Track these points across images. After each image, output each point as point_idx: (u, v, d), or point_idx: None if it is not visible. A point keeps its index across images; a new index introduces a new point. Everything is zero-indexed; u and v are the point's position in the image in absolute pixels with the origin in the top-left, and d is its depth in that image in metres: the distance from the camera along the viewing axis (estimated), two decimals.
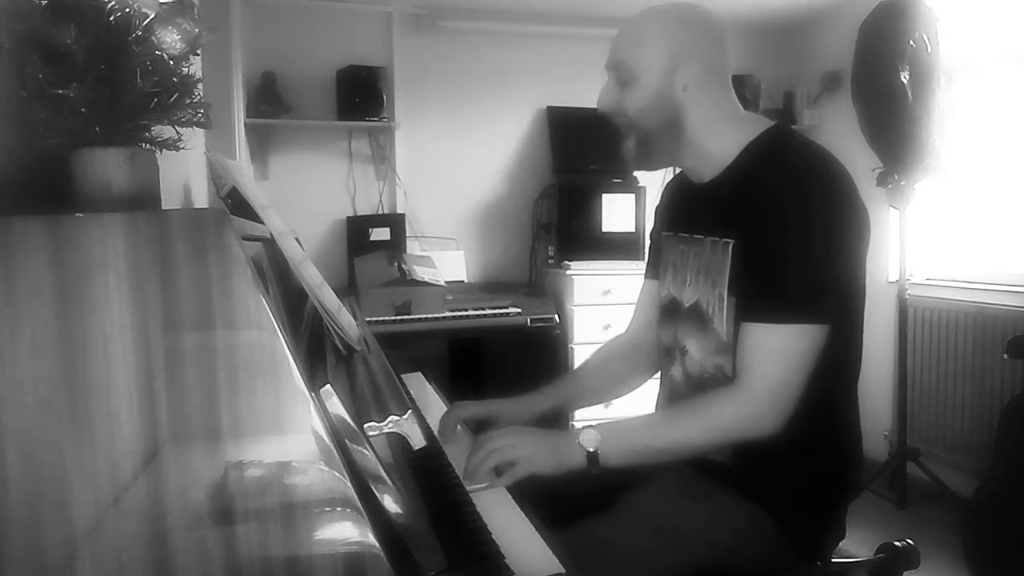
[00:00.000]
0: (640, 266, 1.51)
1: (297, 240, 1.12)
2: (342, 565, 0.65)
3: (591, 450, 1.10)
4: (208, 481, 0.63)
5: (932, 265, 3.18)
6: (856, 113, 2.80)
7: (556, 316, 3.22)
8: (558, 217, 3.52)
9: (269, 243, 0.91)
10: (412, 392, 1.54)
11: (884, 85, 2.64)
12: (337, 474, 0.65)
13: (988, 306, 2.79)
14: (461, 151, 3.64)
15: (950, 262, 3.12)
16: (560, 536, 0.93)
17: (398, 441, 1.04)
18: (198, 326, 0.63)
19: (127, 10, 0.74)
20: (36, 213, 0.61)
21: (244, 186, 1.01)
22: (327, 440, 0.65)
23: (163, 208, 0.89)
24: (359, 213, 3.53)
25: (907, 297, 2.92)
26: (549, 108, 3.67)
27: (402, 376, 1.59)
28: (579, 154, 3.52)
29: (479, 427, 1.34)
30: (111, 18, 0.73)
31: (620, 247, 3.43)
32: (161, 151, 0.85)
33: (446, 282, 3.29)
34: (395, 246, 3.41)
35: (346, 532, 0.65)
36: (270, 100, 3.28)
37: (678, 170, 1.37)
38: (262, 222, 0.92)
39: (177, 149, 0.87)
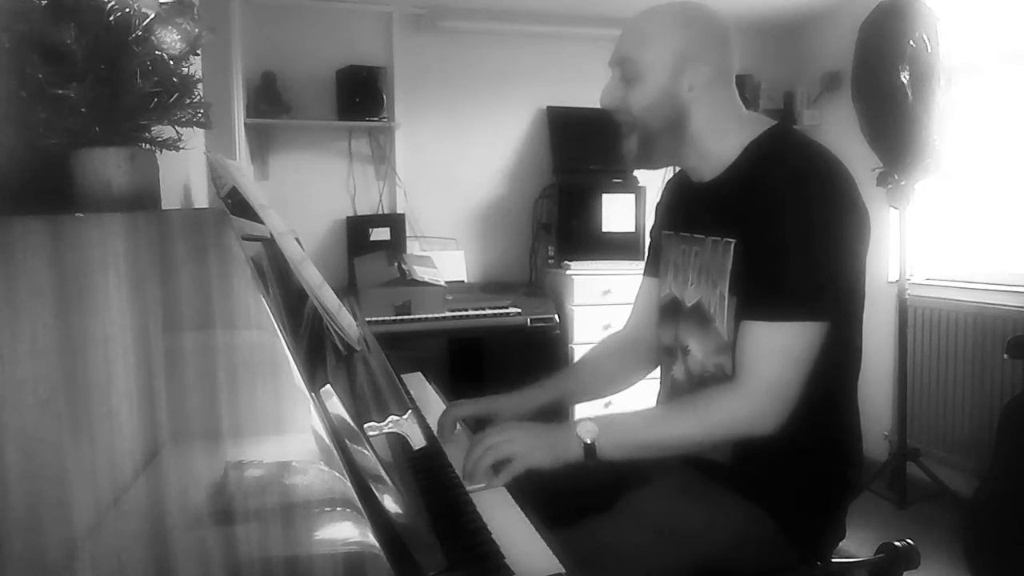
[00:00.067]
0: (640, 266, 1.51)
1: (297, 240, 1.12)
2: (342, 565, 0.65)
3: (588, 442, 1.09)
4: (208, 481, 0.63)
5: (932, 265, 3.18)
6: (856, 113, 2.80)
7: (556, 316, 3.22)
8: (558, 217, 3.52)
9: (269, 243, 0.91)
10: (412, 392, 1.54)
11: (884, 85, 2.64)
12: (337, 474, 0.65)
13: (988, 306, 2.79)
14: (461, 151, 3.64)
15: (950, 262, 3.12)
16: (560, 536, 0.93)
17: (398, 441, 1.04)
18: (198, 326, 0.63)
19: (127, 10, 0.74)
20: (36, 213, 0.61)
21: (244, 186, 1.01)
22: (327, 440, 0.65)
23: (163, 208, 0.89)
24: (359, 213, 3.53)
25: (907, 297, 2.92)
26: (549, 108, 3.67)
27: (402, 376, 1.59)
28: (579, 154, 3.52)
29: (478, 425, 1.34)
30: (111, 18, 0.73)
31: (620, 247, 3.43)
32: (161, 151, 0.85)
33: (446, 282, 3.30)
34: (395, 246, 3.41)
35: (346, 532, 0.65)
36: (270, 100, 3.28)
37: (678, 169, 1.37)
38: (262, 222, 0.92)
39: (177, 149, 0.87)
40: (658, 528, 1.10)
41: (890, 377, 3.11)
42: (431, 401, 1.58)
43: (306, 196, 3.45)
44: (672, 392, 1.32)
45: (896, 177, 2.76)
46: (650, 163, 1.27)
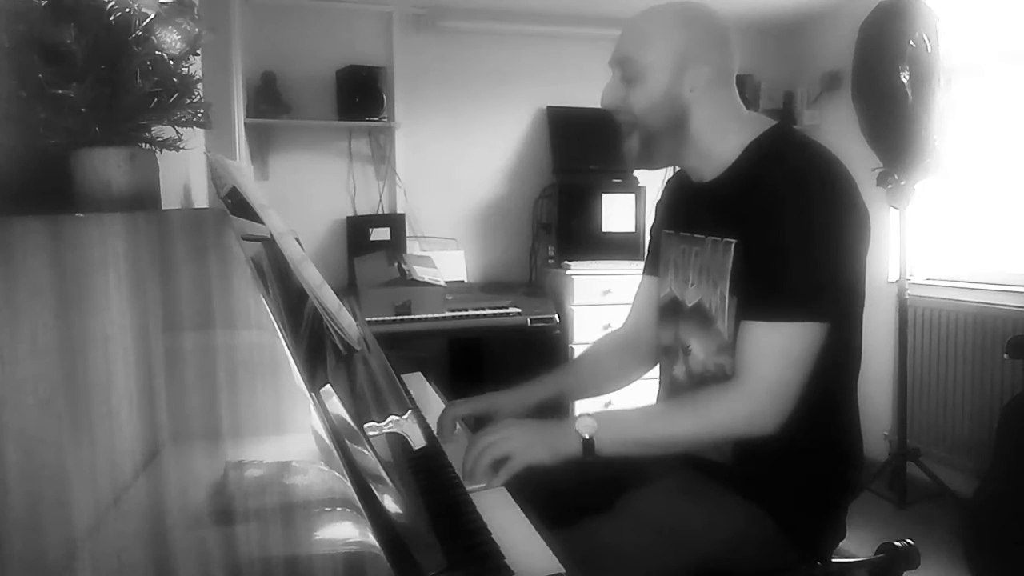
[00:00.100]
0: (640, 266, 1.51)
1: (297, 240, 1.12)
2: (342, 565, 0.65)
3: (587, 437, 1.09)
4: (208, 481, 0.63)
5: (932, 265, 3.18)
6: (856, 113, 2.80)
7: (556, 316, 3.22)
8: (558, 217, 3.52)
9: (269, 243, 0.91)
10: (412, 392, 1.54)
11: (884, 85, 2.64)
12: (337, 474, 0.65)
13: (988, 306, 2.79)
14: (461, 151, 3.64)
15: (950, 262, 3.12)
16: (560, 536, 0.93)
17: (398, 441, 1.04)
18: (198, 326, 0.63)
19: (127, 10, 0.74)
20: (36, 213, 0.61)
21: (244, 186, 1.01)
22: (327, 440, 0.65)
23: (163, 208, 0.89)
24: (359, 213, 3.53)
25: (907, 297, 2.92)
26: (549, 108, 3.67)
27: (402, 376, 1.59)
28: (579, 154, 3.52)
29: (477, 423, 1.33)
30: (111, 18, 0.73)
31: (620, 247, 3.43)
32: (161, 151, 0.85)
33: (446, 282, 3.30)
34: (395, 246, 3.41)
35: (346, 532, 0.65)
36: (270, 100, 3.28)
37: (678, 168, 1.37)
38: (262, 222, 0.92)
39: (177, 149, 0.87)
40: (658, 528, 1.10)
41: (890, 377, 3.11)
42: (431, 401, 1.58)
43: (306, 196, 3.45)
44: (673, 392, 1.32)
45: (896, 177, 2.76)
46: (651, 163, 1.27)
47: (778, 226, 1.10)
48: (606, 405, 3.12)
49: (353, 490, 0.65)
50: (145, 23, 0.75)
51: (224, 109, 2.93)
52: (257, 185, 1.63)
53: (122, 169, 0.75)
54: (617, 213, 3.48)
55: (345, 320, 0.97)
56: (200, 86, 0.85)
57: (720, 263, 1.19)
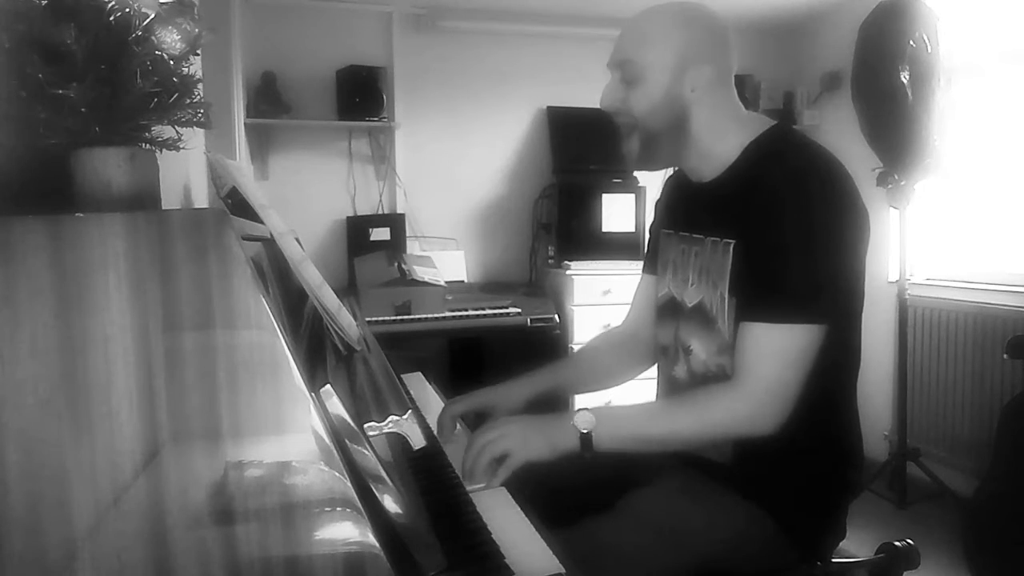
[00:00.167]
0: (640, 266, 1.51)
1: (297, 240, 1.12)
2: (342, 565, 0.65)
3: (584, 431, 1.09)
4: (208, 481, 0.63)
5: (932, 265, 3.18)
6: (856, 113, 2.80)
7: (556, 316, 3.22)
8: (558, 217, 3.52)
9: (269, 243, 0.91)
10: (412, 392, 1.54)
11: (884, 85, 2.64)
12: (337, 474, 0.65)
13: (988, 306, 2.79)
14: (461, 151, 3.64)
15: (950, 262, 3.12)
16: (560, 536, 0.93)
17: (398, 441, 1.04)
18: (198, 326, 0.63)
19: (127, 10, 0.74)
20: (36, 213, 0.61)
21: (244, 186, 1.01)
22: (327, 440, 0.65)
23: (163, 208, 0.89)
24: (359, 213, 3.53)
25: (907, 297, 2.92)
26: (549, 108, 3.67)
27: (402, 376, 1.59)
28: (579, 154, 3.52)
29: (477, 420, 1.33)
30: (111, 18, 0.73)
31: (620, 247, 3.43)
32: (161, 151, 0.85)
33: (446, 282, 3.30)
34: (395, 246, 3.41)
35: (346, 532, 0.65)
36: (270, 100, 3.29)
37: (677, 167, 1.37)
38: (262, 222, 0.92)
39: (177, 149, 0.87)
40: (658, 528, 1.10)
41: (890, 377, 3.11)
42: (431, 401, 1.58)
43: (306, 196, 3.45)
44: (673, 391, 1.32)
45: (896, 177, 2.76)
46: (651, 164, 1.27)
47: (778, 227, 1.09)
48: (606, 404, 3.12)
49: (353, 490, 0.65)
50: (145, 23, 0.75)
51: (224, 109, 2.93)
52: (257, 185, 1.63)
53: (122, 169, 0.75)
54: (617, 213, 3.48)
55: (345, 320, 0.97)
56: (200, 86, 0.85)
57: (719, 264, 1.19)
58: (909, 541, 1.28)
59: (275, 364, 0.65)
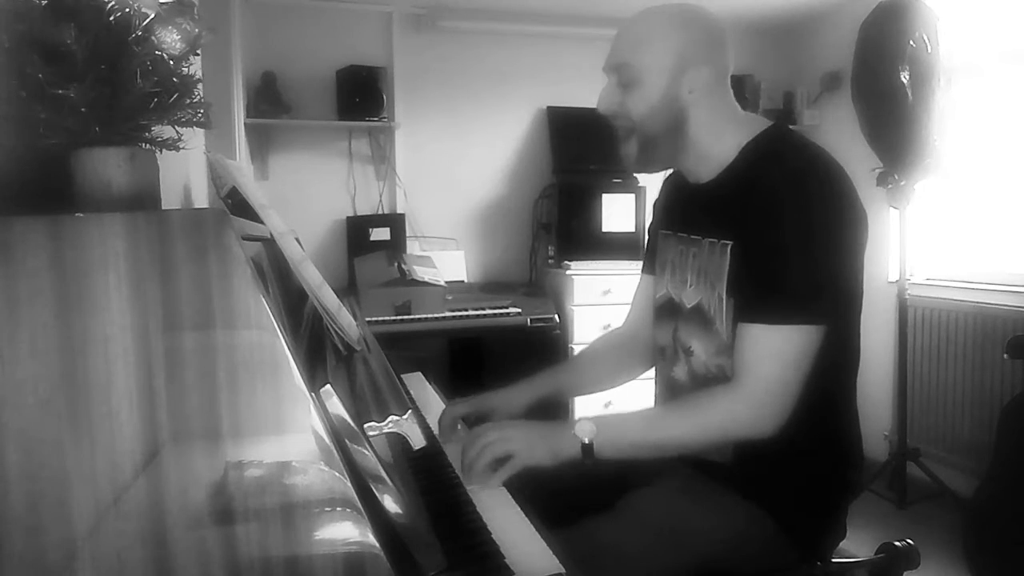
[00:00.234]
0: (640, 266, 1.51)
1: (297, 240, 1.12)
2: (342, 565, 0.65)
3: (586, 441, 1.09)
4: (208, 481, 0.63)
5: (932, 265, 3.18)
6: (856, 113, 2.80)
7: (556, 316, 3.22)
8: (558, 217, 3.52)
9: (269, 243, 0.91)
10: (412, 392, 1.54)
11: (884, 85, 2.64)
12: (337, 474, 0.65)
13: (988, 306, 2.78)
14: (461, 151, 3.64)
15: (950, 262, 3.12)
16: (560, 536, 0.93)
17: (398, 441, 1.04)
18: (198, 326, 0.63)
19: (127, 10, 0.74)
20: (36, 213, 0.61)
21: (244, 186, 1.01)
22: (327, 440, 0.65)
23: (163, 208, 0.89)
24: (359, 213, 3.53)
25: (907, 297, 2.92)
26: (549, 108, 3.67)
27: (402, 376, 1.59)
28: (579, 154, 3.52)
29: (477, 423, 1.33)
30: (111, 18, 0.73)
31: (620, 247, 3.43)
32: (161, 151, 0.85)
33: (446, 282, 3.29)
34: (395, 246, 3.41)
35: (346, 532, 0.65)
36: (270, 100, 3.28)
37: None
38: (262, 222, 0.92)
39: (177, 149, 0.87)
40: (658, 528, 1.10)
41: (890, 377, 3.11)
42: (431, 401, 1.58)
43: (306, 196, 3.45)
44: (672, 393, 1.32)
45: (896, 177, 2.76)
46: (649, 167, 1.27)
47: (776, 227, 1.09)
48: (606, 405, 3.12)
49: (353, 490, 0.65)
50: (145, 23, 0.75)
51: (224, 109, 2.93)
52: (257, 185, 1.63)
53: (122, 169, 0.75)
54: (617, 213, 3.48)
55: (345, 320, 0.97)
56: (200, 86, 0.85)
57: (717, 265, 1.19)
58: (909, 541, 1.28)
59: (275, 364, 0.65)
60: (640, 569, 1.06)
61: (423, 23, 3.52)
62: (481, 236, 3.71)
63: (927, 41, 2.63)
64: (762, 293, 1.11)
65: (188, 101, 0.82)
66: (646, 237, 1.51)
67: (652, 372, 1.43)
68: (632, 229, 3.48)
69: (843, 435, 1.23)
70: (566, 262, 3.37)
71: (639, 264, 1.50)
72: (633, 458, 1.16)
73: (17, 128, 0.74)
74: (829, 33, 3.65)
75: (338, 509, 0.65)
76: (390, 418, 1.01)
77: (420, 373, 1.78)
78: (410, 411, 1.08)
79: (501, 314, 3.16)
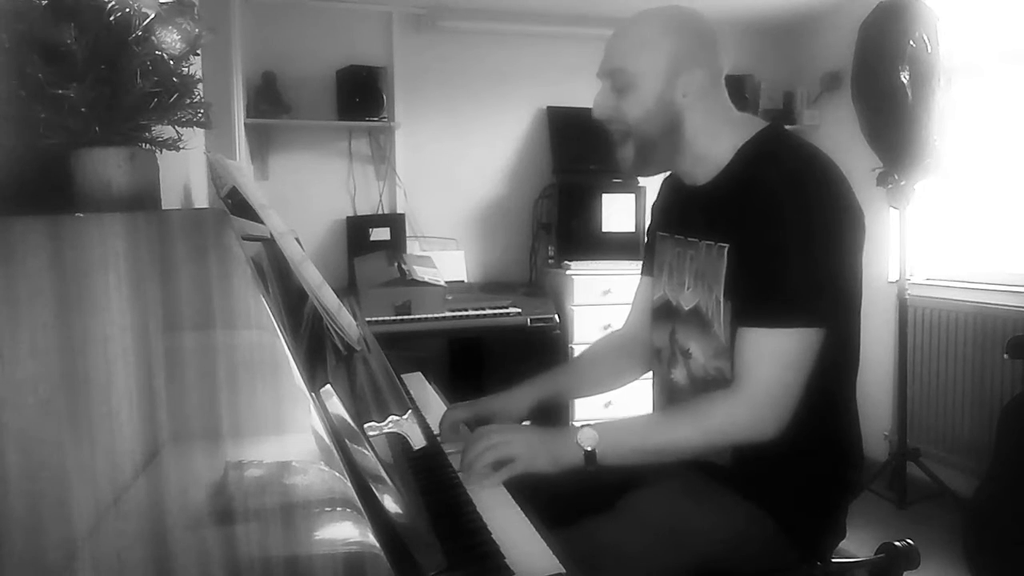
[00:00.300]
0: (640, 266, 1.51)
1: (297, 240, 1.12)
2: (342, 565, 0.65)
3: (589, 449, 1.09)
4: (208, 481, 0.63)
5: (932, 265, 3.18)
6: (856, 113, 2.80)
7: (556, 316, 3.22)
8: (558, 217, 3.52)
9: (269, 243, 0.91)
10: (412, 392, 1.54)
11: (884, 85, 2.64)
12: (337, 474, 0.65)
13: (988, 306, 2.78)
14: (461, 151, 3.64)
15: (950, 262, 3.12)
16: (560, 536, 0.93)
17: (398, 441, 1.04)
18: (198, 326, 0.63)
19: (127, 10, 0.74)
20: (36, 213, 0.61)
21: (244, 186, 1.01)
22: (327, 440, 0.65)
23: (163, 208, 0.89)
24: (359, 213, 3.53)
25: (907, 297, 2.92)
26: (549, 108, 3.67)
27: (402, 376, 1.59)
28: (579, 154, 3.52)
29: (478, 426, 1.34)
30: (111, 18, 0.73)
31: (620, 247, 3.43)
32: (161, 151, 0.85)
33: (446, 282, 3.29)
34: (395, 246, 3.41)
35: (346, 532, 0.65)
36: (270, 100, 3.28)
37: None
38: (262, 222, 0.92)
39: (177, 149, 0.87)
40: (658, 528, 1.10)
41: (890, 377, 3.11)
42: (431, 401, 1.58)
43: (306, 196, 3.45)
44: (672, 395, 1.31)
45: (896, 177, 2.76)
46: (646, 170, 1.27)
47: (775, 229, 1.09)
48: (606, 405, 3.12)
49: (353, 490, 0.65)
50: (145, 23, 0.75)
51: (224, 109, 2.92)
52: (257, 185, 1.63)
53: (122, 169, 0.75)
54: (617, 213, 3.48)
55: (345, 320, 0.97)
56: (200, 86, 0.85)
57: (714, 267, 1.19)
58: (909, 541, 1.28)
59: (275, 364, 0.65)
60: (640, 569, 1.06)
61: (423, 23, 3.52)
62: (481, 236, 3.71)
63: (927, 41, 2.63)
64: (761, 296, 1.11)
65: (188, 101, 0.82)
66: (645, 238, 1.51)
67: (651, 374, 1.43)
68: (632, 229, 3.48)
69: (843, 435, 1.23)
70: (566, 262, 3.37)
71: (639, 264, 1.50)
72: (635, 463, 1.16)
73: (17, 128, 0.74)
74: (829, 33, 3.65)
75: (338, 509, 0.65)
76: (390, 418, 1.01)
77: (420, 373, 1.78)
78: (410, 411, 1.08)
79: (501, 314, 3.16)
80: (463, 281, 3.51)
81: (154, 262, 0.62)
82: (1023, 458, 2.14)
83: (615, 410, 3.12)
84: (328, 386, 0.77)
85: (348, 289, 3.24)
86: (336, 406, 0.76)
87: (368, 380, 1.04)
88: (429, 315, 3.09)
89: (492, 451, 1.09)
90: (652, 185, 1.45)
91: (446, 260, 3.46)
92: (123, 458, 0.61)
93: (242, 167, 2.60)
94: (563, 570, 0.83)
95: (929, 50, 2.63)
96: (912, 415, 3.00)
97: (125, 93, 0.74)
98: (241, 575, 0.63)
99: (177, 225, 0.63)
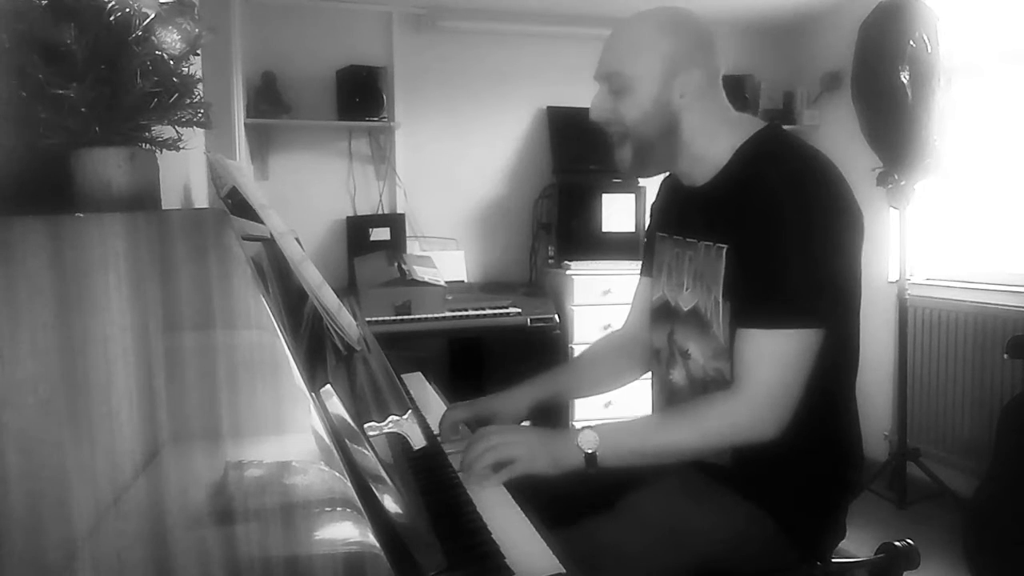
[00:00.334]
0: (640, 266, 1.51)
1: (297, 240, 1.12)
2: (342, 565, 0.65)
3: (589, 451, 1.10)
4: (208, 481, 0.63)
5: (932, 265, 3.18)
6: (856, 113, 2.80)
7: (556, 316, 3.22)
8: (558, 217, 3.52)
9: (269, 243, 0.91)
10: (412, 392, 1.54)
11: (884, 85, 2.64)
12: (337, 474, 0.65)
13: (988, 306, 2.78)
14: (461, 151, 3.64)
15: (950, 262, 3.12)
16: (560, 536, 0.93)
17: (398, 441, 1.04)
18: (198, 326, 0.63)
19: (127, 10, 0.74)
20: (36, 213, 0.61)
21: (244, 186, 1.01)
22: (327, 440, 0.65)
23: (163, 208, 0.89)
24: (359, 213, 3.53)
25: (907, 297, 2.92)
26: (549, 108, 3.67)
27: (402, 376, 1.59)
28: (579, 154, 3.52)
29: (478, 427, 1.34)
30: (111, 18, 0.73)
31: (620, 247, 3.43)
32: (161, 151, 0.85)
33: (446, 282, 3.29)
34: (395, 246, 3.41)
35: (346, 532, 0.65)
36: (270, 100, 3.28)
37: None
38: (262, 222, 0.92)
39: (177, 149, 0.87)
40: (658, 528, 1.10)
41: (890, 377, 3.11)
42: (431, 401, 1.58)
43: (306, 196, 3.45)
44: (671, 396, 1.31)
45: (896, 177, 2.76)
46: (645, 171, 1.27)
47: (774, 230, 1.09)
48: (606, 405, 3.12)
49: (353, 490, 0.65)
50: (145, 23, 0.75)
51: (224, 109, 2.93)
52: (257, 185, 1.63)
53: (122, 169, 0.75)
54: (617, 213, 3.48)
55: (345, 320, 0.97)
56: (200, 86, 0.85)
57: (713, 268, 1.19)
58: (909, 541, 1.28)
59: (275, 364, 0.65)
60: (640, 569, 1.06)
61: (423, 23, 3.52)
62: (481, 236, 3.71)
63: (927, 41, 2.63)
64: (761, 296, 1.11)
65: (188, 101, 0.82)
66: (645, 238, 1.51)
67: (650, 374, 1.43)
68: (632, 229, 3.48)
69: (843, 435, 1.23)
70: (566, 262, 3.37)
71: (639, 264, 1.50)
72: (635, 465, 1.16)
73: (17, 128, 0.74)
74: (829, 33, 3.65)
75: (338, 509, 0.65)
76: (390, 418, 1.01)
77: (420, 373, 1.78)
78: (410, 411, 1.08)
79: (501, 314, 3.16)
80: (463, 281, 3.51)
81: (154, 262, 0.62)
82: (1023, 458, 2.14)
83: (615, 410, 3.12)
84: (328, 386, 0.77)
85: (348, 289, 3.24)
86: (336, 406, 0.76)
87: (368, 380, 1.04)
88: (429, 315, 3.09)
89: (492, 452, 1.09)
90: (652, 185, 1.45)
91: (446, 260, 3.46)
92: (123, 458, 0.61)
93: (242, 167, 2.60)
94: (563, 570, 0.83)
95: (929, 50, 2.63)
96: (912, 415, 3.00)
97: (125, 93, 0.74)
98: (241, 575, 0.63)
99: (177, 225, 0.63)
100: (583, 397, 1.54)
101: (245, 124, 3.18)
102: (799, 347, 1.09)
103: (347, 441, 0.73)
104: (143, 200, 0.77)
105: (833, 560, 1.24)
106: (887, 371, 3.14)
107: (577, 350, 3.25)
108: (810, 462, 1.18)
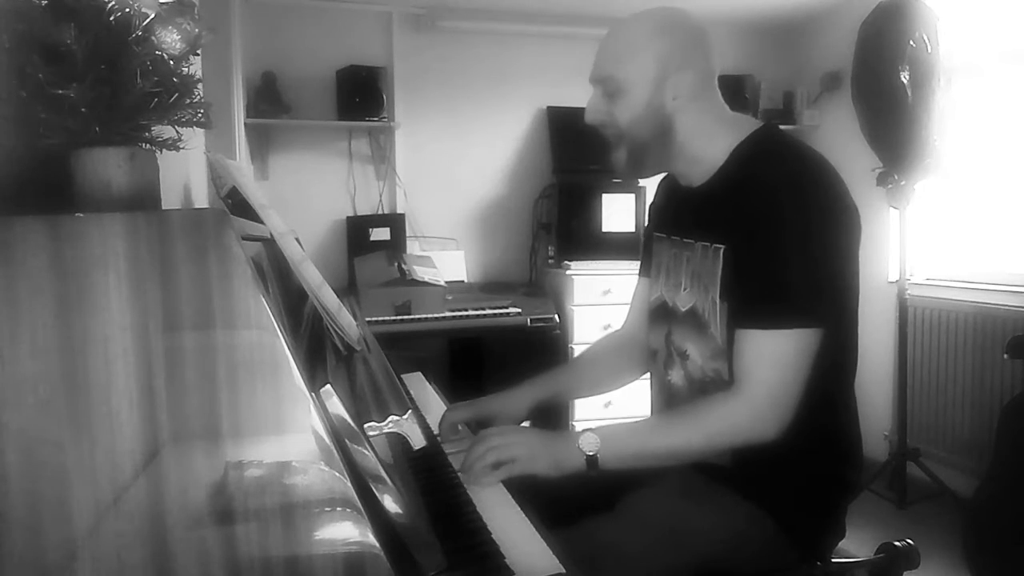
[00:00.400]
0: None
1: (297, 240, 1.12)
2: (342, 565, 0.65)
3: (590, 454, 1.10)
4: (208, 481, 0.63)
5: (932, 265, 3.18)
6: (856, 113, 2.80)
7: (556, 316, 3.22)
8: (558, 217, 3.52)
9: (269, 243, 0.91)
10: (412, 392, 1.54)
11: (884, 85, 2.64)
12: (337, 474, 0.65)
13: (988, 306, 2.78)
14: (461, 151, 3.64)
15: (950, 262, 3.12)
16: (560, 536, 0.93)
17: (398, 441, 1.04)
18: (198, 326, 0.63)
19: (127, 10, 0.74)
20: (36, 213, 0.61)
21: (244, 186, 1.01)
22: (327, 440, 0.65)
23: (163, 208, 0.89)
24: (359, 213, 3.53)
25: (907, 297, 2.92)
26: (549, 108, 3.67)
27: (402, 376, 1.59)
28: (579, 154, 3.52)
29: (478, 427, 1.34)
30: (111, 18, 0.73)
31: (620, 247, 3.43)
32: (161, 151, 0.85)
33: (446, 282, 3.30)
34: (395, 246, 3.41)
35: (346, 532, 0.65)
36: (270, 100, 3.28)
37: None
38: (262, 222, 0.92)
39: (177, 149, 0.87)
40: (658, 528, 1.10)
41: (890, 377, 3.11)
42: (431, 401, 1.58)
43: (306, 196, 3.45)
44: (670, 397, 1.31)
45: (896, 177, 2.76)
46: (641, 173, 1.27)
47: (772, 230, 1.09)
48: (606, 405, 3.12)
49: (353, 490, 0.65)
50: (145, 23, 0.75)
51: (224, 109, 2.93)
52: (257, 185, 1.63)
53: (122, 169, 0.75)
54: (617, 213, 3.48)
55: (345, 320, 0.97)
56: (200, 86, 0.85)
57: (710, 269, 1.18)
58: (909, 541, 1.28)
59: (275, 364, 0.65)
60: (640, 569, 1.06)
61: (423, 23, 3.52)
62: (481, 236, 3.71)
63: (927, 41, 2.63)
64: (759, 297, 1.11)
65: (188, 101, 0.82)
66: (643, 239, 1.51)
67: (649, 375, 1.43)
68: (632, 229, 3.48)
69: (843, 435, 1.23)
70: (566, 262, 3.37)
71: (639, 264, 1.50)
72: (637, 467, 1.16)
73: (17, 128, 0.74)
74: (829, 33, 3.65)
75: (338, 509, 0.65)
76: (390, 418, 1.01)
77: (420, 373, 1.78)
78: (410, 411, 1.08)
79: (501, 314, 3.16)
80: (463, 281, 3.51)
81: (154, 262, 0.62)
82: (1023, 458, 2.14)
83: (615, 410, 3.12)
84: (328, 386, 0.77)
85: (348, 289, 3.24)
86: (336, 406, 0.76)
87: (368, 380, 1.04)
88: (429, 315, 3.09)
89: (493, 453, 1.09)
90: (652, 185, 1.45)
91: (446, 260, 3.46)
92: (123, 458, 0.61)
93: (242, 167, 2.60)
94: (563, 570, 0.83)
95: (929, 50, 2.63)
96: (912, 415, 3.00)
97: (125, 93, 0.74)
98: (241, 575, 0.63)
99: (177, 225, 0.63)
100: (583, 397, 1.54)
101: (245, 124, 3.18)
102: (798, 347, 1.09)
103: (347, 441, 0.73)
104: (143, 200, 0.77)
105: (833, 560, 1.24)
106: (887, 371, 3.14)
107: (577, 350, 3.25)
108: (810, 462, 1.18)
